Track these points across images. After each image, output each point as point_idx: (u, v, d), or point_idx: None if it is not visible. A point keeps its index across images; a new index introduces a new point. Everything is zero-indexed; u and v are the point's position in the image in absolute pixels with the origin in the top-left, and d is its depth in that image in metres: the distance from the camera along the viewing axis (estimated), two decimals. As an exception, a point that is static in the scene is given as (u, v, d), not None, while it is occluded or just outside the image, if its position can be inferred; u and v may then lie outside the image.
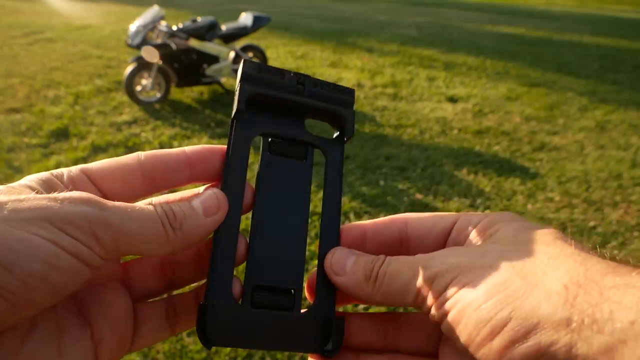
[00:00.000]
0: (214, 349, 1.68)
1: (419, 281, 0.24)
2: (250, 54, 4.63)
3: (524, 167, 3.19)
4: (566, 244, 0.22)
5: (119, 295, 0.27)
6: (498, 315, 0.19)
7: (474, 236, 0.26)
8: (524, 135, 3.78)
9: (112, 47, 6.22)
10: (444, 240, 0.28)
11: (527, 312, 0.19)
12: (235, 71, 4.48)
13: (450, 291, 0.22)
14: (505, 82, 5.33)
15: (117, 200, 0.25)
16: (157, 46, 3.87)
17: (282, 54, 6.22)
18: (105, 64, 5.36)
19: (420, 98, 4.64)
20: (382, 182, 2.89)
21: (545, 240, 0.23)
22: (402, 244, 0.30)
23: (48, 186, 0.25)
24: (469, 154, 3.39)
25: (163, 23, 4.15)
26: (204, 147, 0.29)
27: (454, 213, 0.29)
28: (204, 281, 0.29)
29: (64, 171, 0.27)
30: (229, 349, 1.68)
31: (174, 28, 4.13)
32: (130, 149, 3.23)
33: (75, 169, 0.27)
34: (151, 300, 0.30)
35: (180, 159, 0.28)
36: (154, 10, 4.18)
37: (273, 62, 5.55)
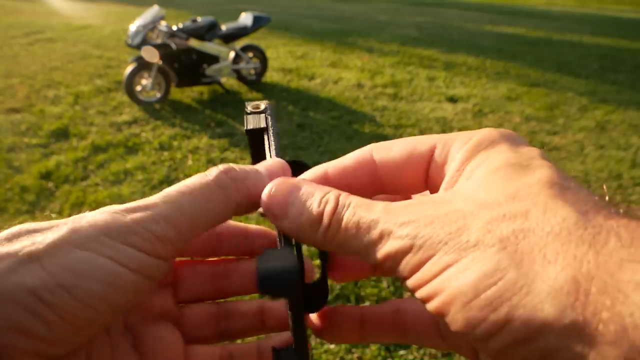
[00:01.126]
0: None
1: (385, 249, 0.20)
2: (250, 54, 4.63)
3: (524, 167, 3.19)
4: (567, 203, 0.18)
5: (173, 334, 0.27)
6: (492, 317, 0.16)
7: (451, 176, 0.22)
8: (524, 135, 3.77)
9: (112, 47, 6.22)
10: (423, 178, 0.24)
11: (528, 312, 0.16)
12: (235, 71, 4.48)
13: (429, 270, 0.18)
14: (505, 82, 5.33)
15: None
16: (157, 46, 3.87)
17: (282, 54, 6.22)
18: (105, 64, 5.36)
19: (420, 98, 4.64)
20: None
21: (543, 196, 0.18)
22: (374, 185, 0.25)
23: None
24: (469, 154, 3.39)
25: (163, 23, 4.15)
26: (265, 229, 0.31)
27: (427, 137, 0.24)
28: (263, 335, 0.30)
29: None
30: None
31: (174, 28, 4.13)
32: (130, 149, 3.23)
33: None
34: (205, 345, 0.29)
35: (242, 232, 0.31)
36: (154, 10, 4.18)
37: (273, 62, 5.55)
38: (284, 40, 7.09)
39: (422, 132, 3.75)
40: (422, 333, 0.27)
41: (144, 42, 4.02)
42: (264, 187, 0.24)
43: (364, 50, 6.69)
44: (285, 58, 5.98)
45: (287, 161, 0.27)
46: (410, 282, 0.19)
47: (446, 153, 0.23)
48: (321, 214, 0.22)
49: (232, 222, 0.29)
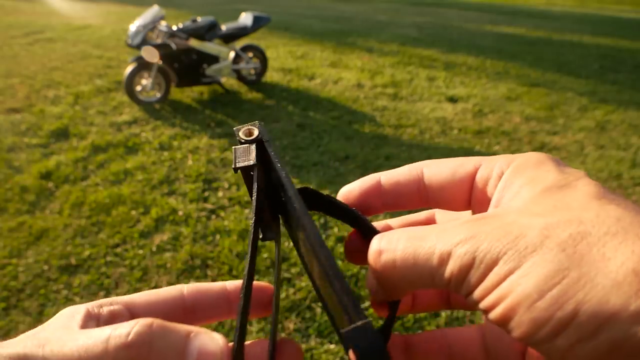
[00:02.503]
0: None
1: (448, 270, 0.20)
2: (250, 54, 4.63)
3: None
4: (619, 207, 0.19)
5: None
6: (558, 314, 0.17)
7: (499, 195, 0.23)
8: (524, 135, 3.78)
9: (112, 47, 6.22)
10: (466, 194, 0.25)
11: (594, 306, 0.16)
12: (235, 71, 4.48)
13: (492, 280, 0.19)
14: (505, 82, 5.33)
15: None
16: (157, 46, 3.87)
17: (282, 54, 6.22)
18: (105, 64, 5.36)
19: (420, 98, 4.64)
20: (382, 182, 2.89)
21: (593, 204, 0.19)
22: (420, 197, 0.26)
23: (88, 321, 0.23)
24: (469, 154, 3.39)
25: (163, 23, 4.15)
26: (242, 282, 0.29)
27: (474, 158, 0.25)
28: None
29: (106, 305, 0.25)
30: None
31: (174, 28, 4.13)
32: (130, 149, 3.23)
33: (118, 302, 0.25)
34: None
35: (221, 294, 0.28)
36: (154, 10, 4.18)
37: (273, 62, 5.55)
38: (284, 40, 7.09)
39: (422, 132, 3.75)
40: (468, 357, 0.27)
41: (144, 42, 4.02)
42: None
43: (364, 50, 6.69)
44: (285, 58, 5.98)
45: (298, 189, 0.25)
46: (475, 295, 0.19)
47: (489, 172, 0.24)
48: (377, 252, 0.23)
49: (204, 287, 0.27)
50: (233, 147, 0.26)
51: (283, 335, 1.76)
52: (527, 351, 0.24)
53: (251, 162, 0.25)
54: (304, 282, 1.99)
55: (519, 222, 0.19)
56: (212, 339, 0.21)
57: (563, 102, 4.71)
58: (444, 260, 0.20)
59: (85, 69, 5.11)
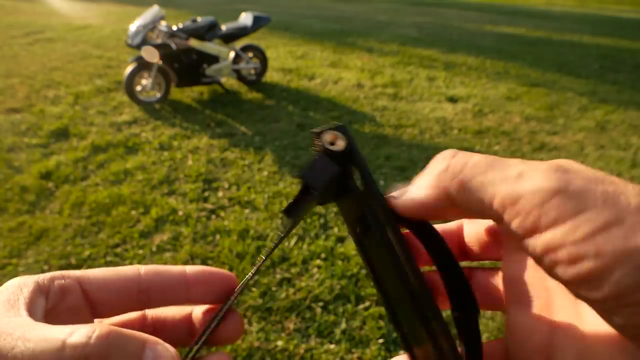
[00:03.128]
0: (214, 348, 1.68)
1: (526, 185, 0.19)
2: (250, 54, 4.63)
3: (524, 167, 3.19)
4: None
5: None
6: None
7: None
8: (524, 135, 3.78)
9: (112, 47, 6.22)
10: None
11: None
12: (235, 71, 4.48)
13: (586, 226, 0.18)
14: (505, 82, 5.33)
15: (108, 313, 0.24)
16: (157, 46, 3.87)
17: (282, 54, 6.22)
18: (105, 64, 5.36)
19: (420, 98, 4.64)
20: (382, 182, 2.89)
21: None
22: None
23: (37, 297, 0.22)
24: (469, 154, 3.39)
25: (163, 23, 4.16)
26: (204, 269, 0.27)
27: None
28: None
29: (57, 278, 0.24)
30: (228, 348, 1.68)
31: (174, 28, 4.13)
32: (130, 149, 3.23)
33: (70, 277, 0.24)
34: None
35: (180, 278, 0.26)
36: (154, 10, 4.18)
37: (273, 62, 5.55)
38: (284, 40, 7.09)
39: (422, 132, 3.75)
40: None
41: (144, 42, 4.02)
42: None
43: (364, 50, 6.69)
44: (285, 58, 5.98)
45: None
46: (551, 235, 0.19)
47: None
48: (447, 156, 0.23)
49: (162, 269, 0.26)
50: (313, 157, 0.22)
51: (283, 335, 1.76)
52: (552, 352, 0.23)
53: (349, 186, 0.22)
54: (304, 282, 1.99)
55: (611, 182, 0.19)
56: (166, 350, 0.20)
57: (563, 102, 4.71)
58: (524, 173, 0.20)
59: (85, 69, 5.11)
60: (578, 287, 0.19)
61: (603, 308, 0.18)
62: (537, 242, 0.19)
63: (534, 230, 0.19)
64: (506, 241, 0.26)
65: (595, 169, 0.20)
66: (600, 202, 0.18)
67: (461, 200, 0.22)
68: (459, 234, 0.28)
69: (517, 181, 0.20)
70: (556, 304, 0.23)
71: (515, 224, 0.20)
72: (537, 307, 0.23)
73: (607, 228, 0.17)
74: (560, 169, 0.19)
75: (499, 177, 0.20)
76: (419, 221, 0.24)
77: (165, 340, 0.22)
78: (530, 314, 0.23)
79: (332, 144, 0.22)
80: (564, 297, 0.23)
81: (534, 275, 0.24)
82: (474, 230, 0.28)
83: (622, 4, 18.43)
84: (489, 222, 0.27)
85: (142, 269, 0.26)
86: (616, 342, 0.20)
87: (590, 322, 0.21)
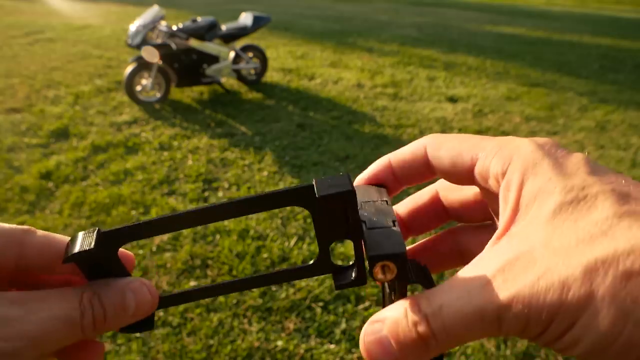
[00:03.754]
0: (213, 348, 1.69)
1: (504, 332, 0.19)
2: (250, 54, 4.63)
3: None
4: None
5: None
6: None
7: (508, 213, 0.22)
8: (524, 135, 3.75)
9: (112, 47, 6.22)
10: (470, 181, 0.25)
11: None
12: (235, 71, 4.48)
13: (553, 335, 0.19)
14: (505, 82, 5.33)
15: None
16: (157, 46, 3.87)
17: (282, 54, 6.22)
18: (105, 64, 5.36)
19: (420, 98, 4.64)
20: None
21: (619, 229, 0.18)
22: (429, 172, 0.27)
23: None
24: (469, 154, 3.39)
25: (163, 23, 4.16)
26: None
27: (471, 146, 0.25)
28: None
29: None
30: (228, 348, 1.68)
31: (174, 28, 4.14)
32: (130, 149, 3.23)
33: None
34: None
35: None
36: (154, 10, 4.18)
37: (273, 62, 5.55)
38: (284, 40, 7.09)
39: (422, 133, 3.75)
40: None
41: (144, 42, 4.02)
42: (123, 323, 0.25)
43: (364, 50, 6.69)
44: (285, 58, 5.98)
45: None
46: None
47: (485, 170, 0.24)
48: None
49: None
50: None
51: (283, 335, 1.76)
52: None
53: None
54: (304, 282, 1.99)
55: (557, 270, 0.18)
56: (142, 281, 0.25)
57: (563, 102, 4.71)
58: (500, 320, 0.19)
59: (85, 69, 5.11)
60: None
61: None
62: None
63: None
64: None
65: None
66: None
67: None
68: (433, 201, 0.30)
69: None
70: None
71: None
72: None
73: (570, 328, 0.18)
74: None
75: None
76: None
77: None
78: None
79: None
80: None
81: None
82: (454, 196, 0.30)
83: (622, 4, 18.43)
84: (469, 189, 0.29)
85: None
86: None
87: None
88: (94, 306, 0.24)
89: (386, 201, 0.27)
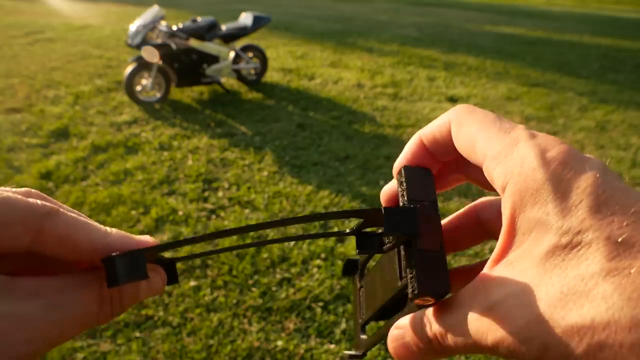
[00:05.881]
0: (213, 348, 1.69)
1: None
2: (250, 54, 4.63)
3: (524, 167, 3.19)
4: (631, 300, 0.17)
5: None
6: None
7: (504, 242, 0.22)
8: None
9: (112, 47, 6.22)
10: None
11: None
12: (235, 71, 4.48)
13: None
14: (505, 82, 5.33)
15: None
16: (157, 46, 3.87)
17: (282, 54, 6.22)
18: (105, 64, 5.36)
19: (420, 98, 4.64)
20: (382, 182, 2.89)
21: (603, 287, 0.18)
22: (455, 150, 0.27)
23: None
24: (469, 154, 3.39)
25: (163, 23, 4.16)
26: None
27: (482, 144, 0.24)
28: None
29: None
30: (228, 348, 1.68)
31: (174, 28, 4.14)
32: (130, 149, 3.23)
33: None
34: None
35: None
36: (154, 10, 4.18)
37: (273, 62, 5.55)
38: (284, 40, 7.09)
39: (422, 132, 3.75)
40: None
41: (144, 42, 4.02)
42: (139, 299, 0.25)
43: (364, 50, 6.69)
44: (285, 58, 5.98)
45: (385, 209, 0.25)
46: None
47: (490, 177, 0.23)
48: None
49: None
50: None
51: (283, 335, 1.76)
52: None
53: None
54: (304, 282, 1.99)
55: (539, 327, 0.19)
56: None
57: (563, 102, 4.71)
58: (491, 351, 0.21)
59: (85, 69, 5.11)
60: None
61: None
62: None
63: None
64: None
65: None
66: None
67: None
68: (475, 215, 0.29)
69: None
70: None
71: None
72: None
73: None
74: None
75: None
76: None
77: None
78: None
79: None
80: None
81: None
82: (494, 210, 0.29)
83: (622, 4, 18.43)
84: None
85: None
86: None
87: None
88: (112, 299, 0.23)
89: (435, 204, 0.26)
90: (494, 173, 0.23)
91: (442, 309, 0.23)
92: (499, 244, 0.23)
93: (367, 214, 0.25)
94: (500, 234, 0.22)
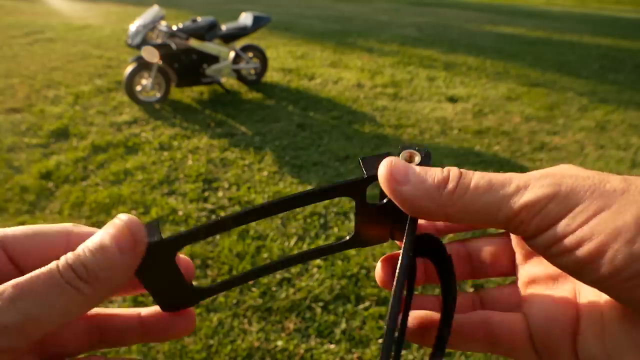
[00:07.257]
0: (213, 348, 1.69)
1: (524, 199, 0.20)
2: (250, 54, 4.63)
3: (524, 167, 3.19)
4: None
5: None
6: None
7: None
8: (524, 135, 3.78)
9: (112, 47, 6.22)
10: None
11: None
12: (235, 71, 4.48)
13: (579, 218, 0.19)
14: (505, 82, 5.33)
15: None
16: (157, 46, 3.87)
17: (282, 54, 6.22)
18: (105, 64, 5.36)
19: (420, 98, 4.64)
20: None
21: None
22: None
23: None
24: (469, 154, 3.39)
25: (163, 23, 4.16)
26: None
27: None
28: None
29: None
30: (228, 348, 1.68)
31: (174, 28, 4.13)
32: (130, 149, 3.23)
33: None
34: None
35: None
36: (154, 10, 4.18)
37: (273, 62, 5.55)
38: (284, 40, 7.09)
39: (422, 132, 3.75)
40: (514, 345, 0.26)
41: (144, 42, 4.02)
42: (118, 268, 0.22)
43: (364, 50, 6.69)
44: (285, 58, 5.98)
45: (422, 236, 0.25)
46: (552, 232, 0.20)
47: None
48: (447, 178, 0.22)
49: (91, 231, 0.25)
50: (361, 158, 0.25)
51: (283, 335, 1.76)
52: (577, 343, 0.23)
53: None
54: (304, 282, 1.99)
55: (598, 175, 0.20)
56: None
57: (563, 102, 4.71)
58: (520, 188, 0.20)
59: (85, 69, 5.11)
60: (582, 271, 0.19)
61: (608, 287, 0.19)
62: (541, 240, 0.20)
63: (536, 233, 0.20)
64: (518, 249, 0.27)
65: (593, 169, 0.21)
66: (589, 194, 0.19)
67: (461, 219, 0.23)
68: (468, 254, 0.29)
69: (515, 196, 0.21)
70: (572, 289, 0.24)
71: (520, 232, 0.21)
72: (558, 295, 0.25)
73: (598, 213, 0.19)
74: (550, 175, 0.21)
75: (499, 196, 0.21)
76: (434, 241, 0.26)
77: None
78: (554, 301, 0.24)
79: (410, 160, 0.25)
80: (579, 286, 0.24)
81: (546, 271, 0.26)
82: (485, 247, 0.29)
83: (622, 4, 18.43)
84: (499, 240, 0.29)
85: (74, 228, 0.26)
86: (629, 316, 0.21)
87: (606, 299, 0.22)
88: (76, 270, 0.21)
89: None
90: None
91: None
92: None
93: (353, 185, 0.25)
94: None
